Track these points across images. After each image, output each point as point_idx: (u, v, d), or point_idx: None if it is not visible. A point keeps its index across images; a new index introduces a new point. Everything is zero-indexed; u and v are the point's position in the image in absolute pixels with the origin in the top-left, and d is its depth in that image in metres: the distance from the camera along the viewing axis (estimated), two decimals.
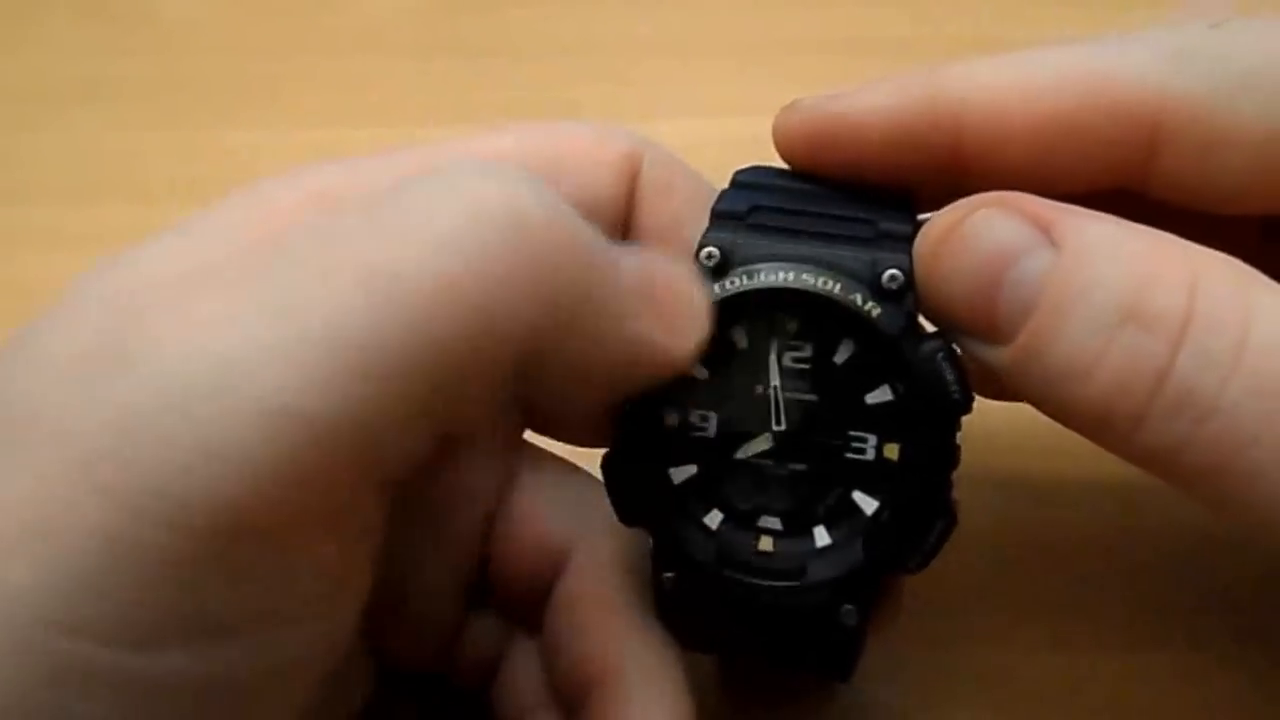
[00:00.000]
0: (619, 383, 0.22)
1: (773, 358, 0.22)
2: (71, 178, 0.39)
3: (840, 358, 0.22)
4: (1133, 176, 0.22)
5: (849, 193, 0.23)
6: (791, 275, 0.22)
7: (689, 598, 0.22)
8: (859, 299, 0.22)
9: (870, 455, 0.22)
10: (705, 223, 0.23)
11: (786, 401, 0.22)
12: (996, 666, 0.28)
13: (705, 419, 0.23)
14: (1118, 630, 0.28)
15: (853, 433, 0.22)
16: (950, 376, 0.21)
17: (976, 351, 0.21)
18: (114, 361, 0.18)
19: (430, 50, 0.42)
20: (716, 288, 0.22)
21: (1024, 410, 0.22)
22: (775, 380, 0.22)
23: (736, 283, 0.22)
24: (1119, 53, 0.22)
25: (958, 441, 0.21)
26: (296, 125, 0.40)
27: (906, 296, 0.21)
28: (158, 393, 0.17)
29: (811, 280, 0.22)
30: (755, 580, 0.22)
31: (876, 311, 0.21)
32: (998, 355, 0.20)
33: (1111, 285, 0.19)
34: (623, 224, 0.24)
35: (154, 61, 0.42)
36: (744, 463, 0.23)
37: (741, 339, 0.22)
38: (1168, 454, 0.19)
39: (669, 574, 0.23)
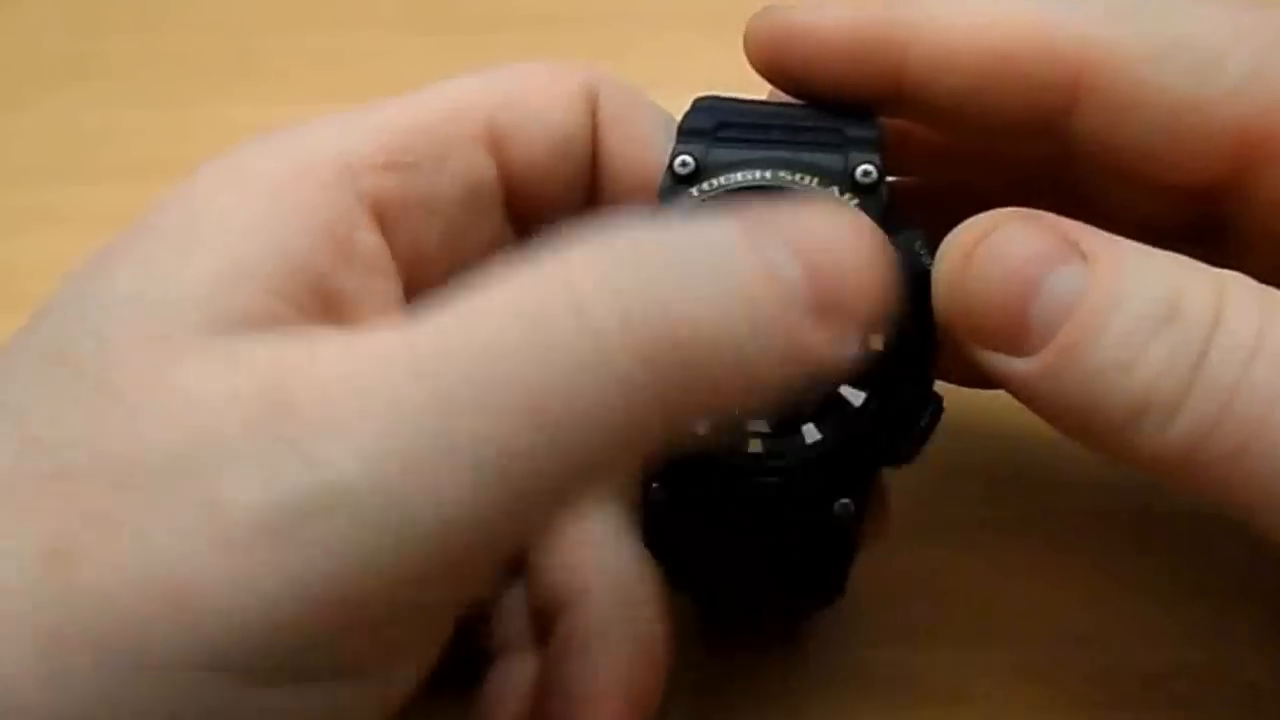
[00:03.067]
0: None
1: None
2: (62, 156, 0.39)
3: None
4: (1055, 123, 0.23)
5: (811, 109, 0.24)
6: (768, 174, 0.23)
7: (678, 510, 0.23)
8: (836, 192, 0.22)
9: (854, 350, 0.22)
10: (670, 145, 0.23)
11: None
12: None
13: None
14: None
15: None
16: (929, 262, 0.22)
17: (994, 364, 0.21)
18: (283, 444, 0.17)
19: (426, 25, 0.42)
20: (694, 191, 0.23)
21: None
22: None
23: (713, 185, 0.23)
24: (1065, 4, 0.23)
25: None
26: (291, 101, 0.40)
27: (880, 190, 0.22)
28: (318, 491, 0.17)
29: (788, 177, 0.23)
30: (748, 477, 0.22)
31: (855, 203, 0.22)
32: (1021, 366, 0.21)
33: (1149, 291, 0.20)
34: (592, 158, 0.24)
35: (145, 38, 0.42)
36: None
37: None
38: (1196, 443, 0.20)
39: (656, 484, 0.23)
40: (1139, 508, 0.29)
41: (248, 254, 0.20)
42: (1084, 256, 0.20)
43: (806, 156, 0.23)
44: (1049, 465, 0.30)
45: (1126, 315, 0.20)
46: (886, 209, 0.22)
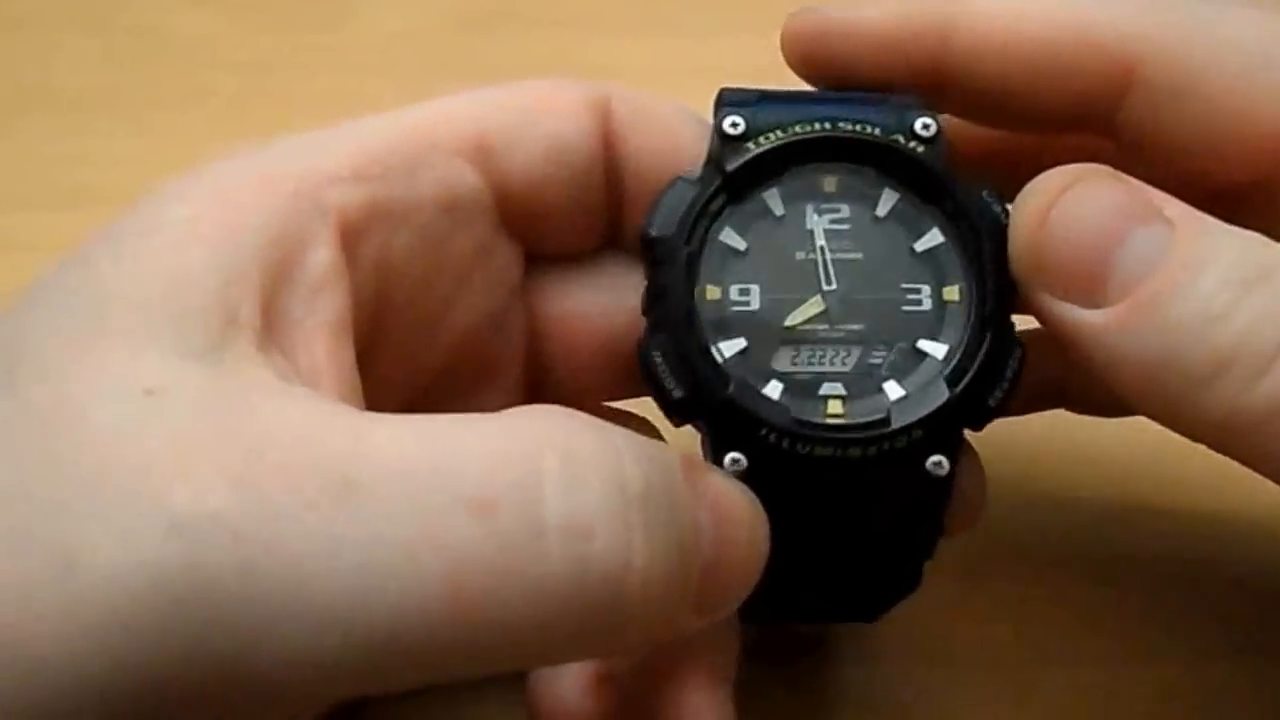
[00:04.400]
0: None
1: (813, 220, 0.22)
2: (70, 184, 0.39)
3: (882, 210, 0.22)
4: (1100, 115, 0.23)
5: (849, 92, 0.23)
6: (828, 125, 0.22)
7: (759, 482, 0.21)
8: (900, 140, 0.22)
9: (929, 305, 0.22)
10: (697, 141, 0.23)
11: (833, 263, 0.22)
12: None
13: (746, 292, 0.22)
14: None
15: (905, 285, 0.22)
16: (999, 209, 0.22)
17: (1065, 314, 0.21)
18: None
19: (437, 71, 0.42)
20: (750, 145, 0.22)
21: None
22: (820, 241, 0.22)
23: (770, 139, 0.22)
24: None
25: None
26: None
27: (940, 142, 0.22)
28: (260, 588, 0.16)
29: (849, 127, 0.22)
30: (838, 435, 0.21)
31: (921, 149, 0.22)
32: (1095, 316, 0.20)
33: (1237, 254, 0.20)
34: (602, 164, 0.24)
35: (162, 75, 0.42)
36: (796, 329, 0.22)
37: (777, 205, 0.22)
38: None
39: (735, 455, 0.21)
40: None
41: (187, 266, 0.19)
42: (1168, 221, 0.20)
43: (860, 112, 0.22)
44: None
45: (1216, 272, 0.20)
46: (949, 161, 0.22)
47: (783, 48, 0.24)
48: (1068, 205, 0.21)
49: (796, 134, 0.22)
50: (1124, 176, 0.21)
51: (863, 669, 0.28)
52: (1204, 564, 0.30)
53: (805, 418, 0.21)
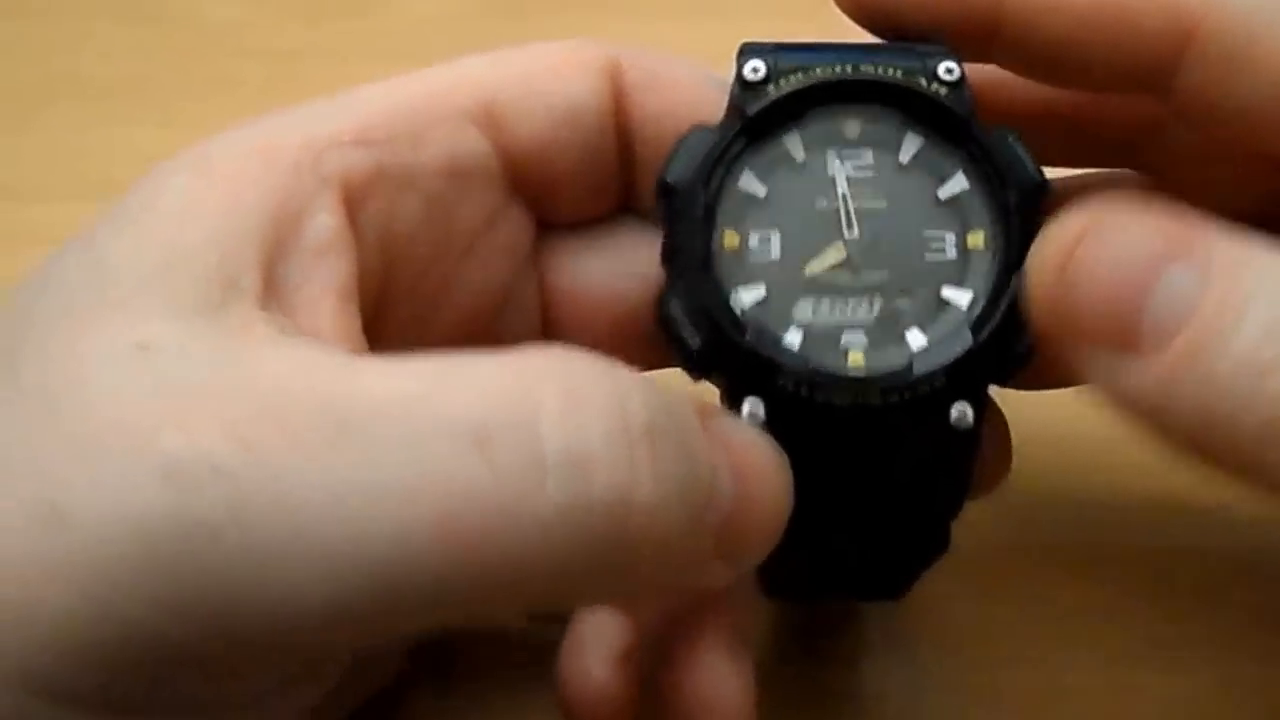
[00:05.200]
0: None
1: (835, 166, 0.21)
2: (98, 175, 0.39)
3: (906, 156, 0.22)
4: (1158, 76, 0.22)
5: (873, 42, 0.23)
6: (849, 68, 0.21)
7: (778, 432, 0.20)
8: (924, 83, 0.21)
9: (952, 253, 0.21)
10: (713, 100, 0.22)
11: (855, 210, 0.21)
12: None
13: (767, 239, 0.21)
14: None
15: (929, 232, 0.21)
16: (1026, 156, 0.21)
17: (1101, 371, 0.19)
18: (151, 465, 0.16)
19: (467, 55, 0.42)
20: (771, 88, 0.21)
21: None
22: (842, 188, 0.21)
23: (791, 81, 0.21)
24: None
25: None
26: None
27: (964, 87, 0.21)
28: (217, 508, 0.16)
29: (872, 70, 0.21)
30: (858, 383, 0.20)
31: (944, 92, 0.21)
32: (1135, 374, 0.19)
33: (1274, 297, 0.18)
34: (614, 127, 0.23)
35: (190, 64, 0.42)
36: (817, 278, 0.21)
37: (798, 150, 0.22)
38: None
39: (754, 403, 0.20)
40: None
41: (185, 236, 0.19)
42: (1202, 253, 0.18)
43: (883, 56, 0.22)
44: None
45: (1259, 315, 0.18)
46: (972, 106, 0.21)
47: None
48: (1089, 250, 0.19)
49: (818, 76, 0.21)
50: (1146, 204, 0.19)
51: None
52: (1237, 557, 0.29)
53: (824, 366, 0.20)
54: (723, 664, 0.22)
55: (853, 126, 0.22)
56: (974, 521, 0.23)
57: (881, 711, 0.27)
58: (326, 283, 0.20)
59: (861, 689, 0.27)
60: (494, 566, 0.16)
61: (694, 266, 0.21)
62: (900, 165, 0.22)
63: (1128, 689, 0.27)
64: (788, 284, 0.21)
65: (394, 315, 0.22)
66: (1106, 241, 0.19)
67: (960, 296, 0.21)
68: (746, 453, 0.19)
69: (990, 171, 0.21)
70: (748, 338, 0.20)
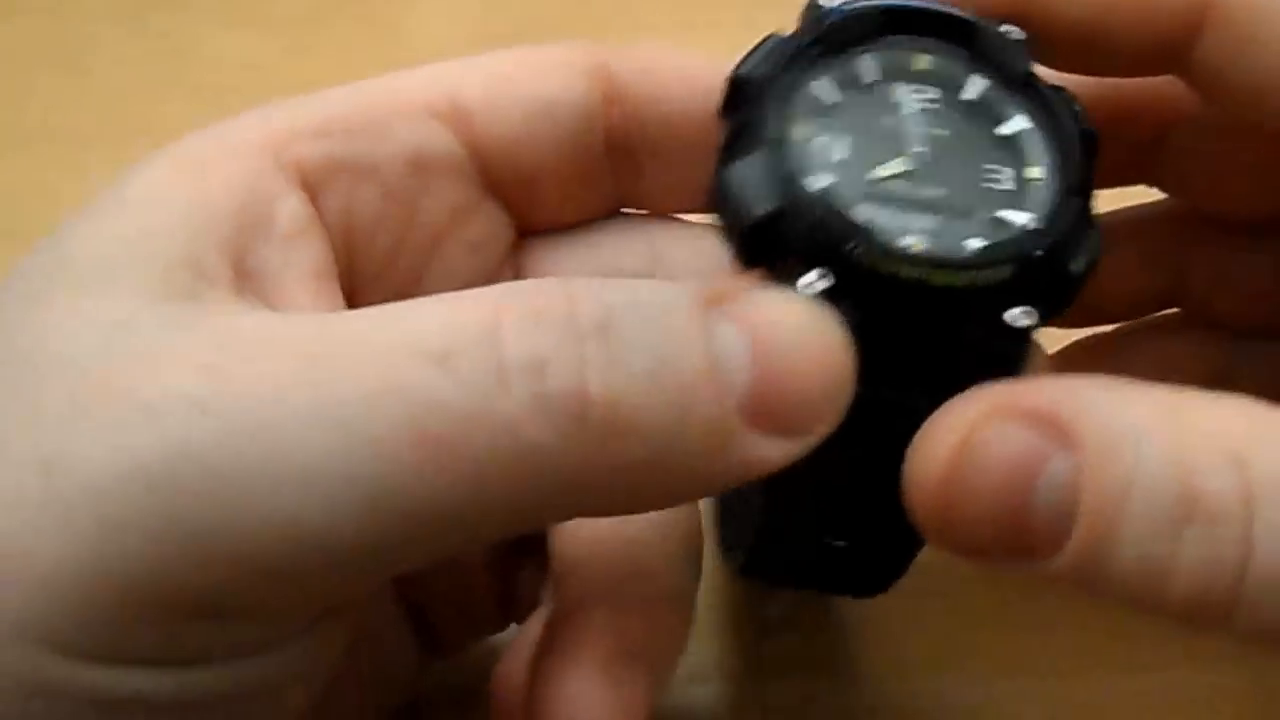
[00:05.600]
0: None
1: (900, 93, 0.22)
2: None
3: (969, 94, 0.22)
4: (1176, 53, 0.22)
5: None
6: (920, 2, 0.22)
7: (841, 304, 0.19)
8: (989, 24, 0.22)
9: (1010, 184, 0.22)
10: (716, 77, 0.22)
11: (917, 134, 0.22)
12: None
13: (835, 140, 0.21)
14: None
15: (987, 165, 0.22)
16: (1080, 108, 0.22)
17: (1020, 569, 0.18)
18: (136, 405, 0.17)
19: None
20: (847, 6, 0.22)
21: None
22: (910, 109, 0.22)
23: (862, 4, 0.22)
24: None
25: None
26: None
27: (1024, 44, 0.22)
28: (186, 442, 0.17)
29: (941, 9, 0.22)
30: (925, 258, 0.20)
31: (1015, 36, 0.22)
32: (1048, 567, 0.18)
33: (1154, 482, 0.17)
34: (603, 129, 0.23)
35: (213, 104, 0.42)
36: (881, 182, 0.21)
37: (869, 72, 0.22)
38: (1271, 628, 0.17)
39: (821, 271, 0.19)
40: None
41: (154, 225, 0.19)
42: (1073, 441, 0.18)
43: (952, 4, 0.22)
44: None
45: (1138, 519, 0.17)
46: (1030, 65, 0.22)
47: None
48: (967, 469, 0.18)
49: (892, 2, 0.22)
50: (1011, 397, 0.18)
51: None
52: None
53: (892, 245, 0.20)
54: (593, 683, 0.21)
55: (922, 59, 0.22)
56: None
57: None
58: (303, 266, 0.21)
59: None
60: (471, 477, 0.17)
61: (766, 142, 0.21)
62: (963, 102, 0.22)
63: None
64: (853, 183, 0.21)
65: (362, 305, 0.22)
66: (975, 465, 0.18)
67: (1018, 216, 0.21)
68: (771, 321, 0.18)
69: (1049, 116, 0.22)
70: (818, 212, 0.20)
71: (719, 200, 0.20)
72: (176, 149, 0.21)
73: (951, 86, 0.22)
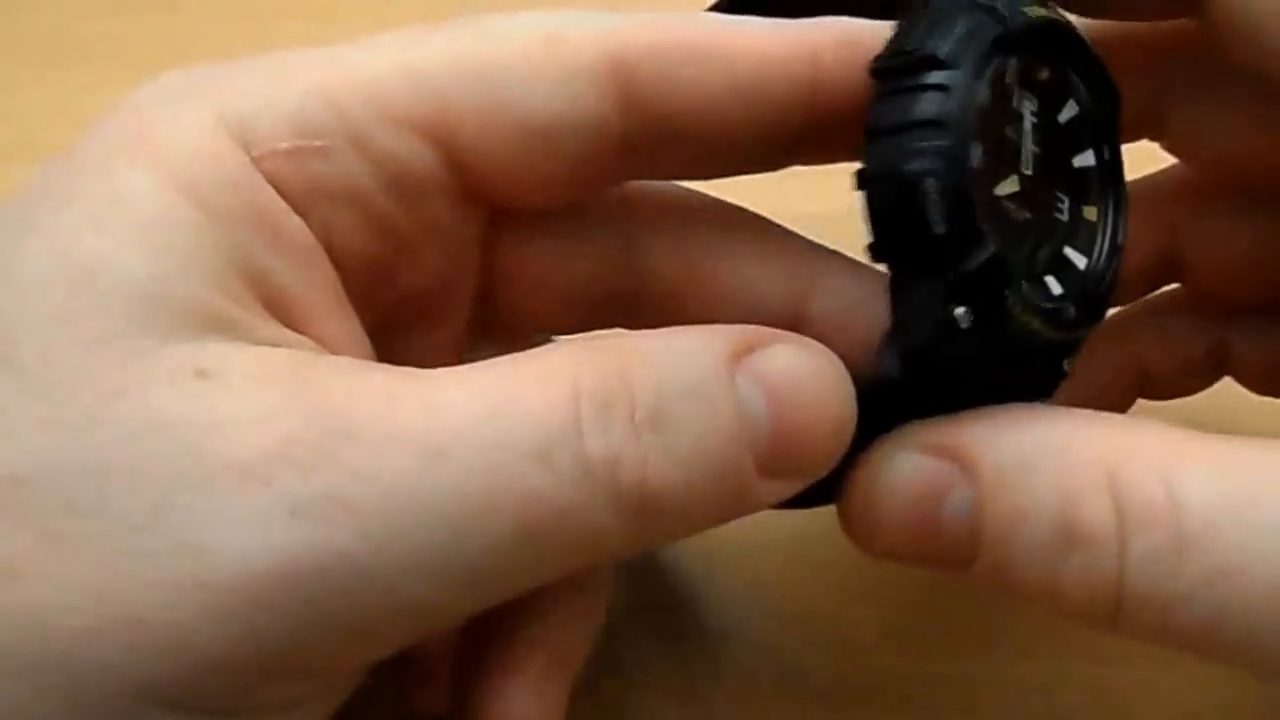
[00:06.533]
0: None
1: (1021, 103, 0.22)
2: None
3: (1064, 116, 0.22)
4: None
5: None
6: (1061, 17, 0.22)
7: (964, 339, 0.20)
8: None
9: (1065, 216, 0.22)
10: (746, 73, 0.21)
11: (1028, 151, 0.22)
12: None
13: (971, 147, 0.20)
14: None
15: (1058, 193, 0.22)
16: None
17: (946, 573, 0.21)
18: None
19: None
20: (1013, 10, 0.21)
21: None
22: (1026, 123, 0.22)
23: (1037, 11, 0.21)
24: None
25: None
26: None
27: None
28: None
29: (1084, 37, 0.22)
30: (1048, 307, 0.21)
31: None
32: (966, 574, 0.20)
33: (1039, 512, 0.19)
34: (617, 136, 0.21)
35: (169, 23, 0.42)
36: (999, 201, 0.21)
37: (1012, 76, 0.21)
38: (1157, 637, 0.19)
39: (964, 310, 0.20)
40: None
41: (181, 243, 0.19)
42: (972, 471, 0.20)
43: None
44: None
45: (1027, 545, 0.19)
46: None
47: None
48: (877, 504, 0.21)
49: (1048, 16, 0.21)
50: (913, 434, 0.21)
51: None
52: None
53: (1033, 300, 0.21)
54: (525, 688, 0.23)
55: (1044, 71, 0.22)
56: None
57: None
58: (322, 287, 0.21)
59: None
60: (557, 553, 0.19)
61: (954, 152, 0.19)
62: (1058, 123, 0.22)
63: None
64: (985, 204, 0.20)
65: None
66: (884, 497, 0.21)
67: (1079, 259, 0.22)
68: (788, 378, 0.20)
69: (1110, 163, 0.22)
70: (993, 247, 0.20)
71: (896, 199, 0.20)
72: (149, 135, 0.19)
73: (1053, 105, 0.22)
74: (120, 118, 0.20)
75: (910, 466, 0.20)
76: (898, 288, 0.20)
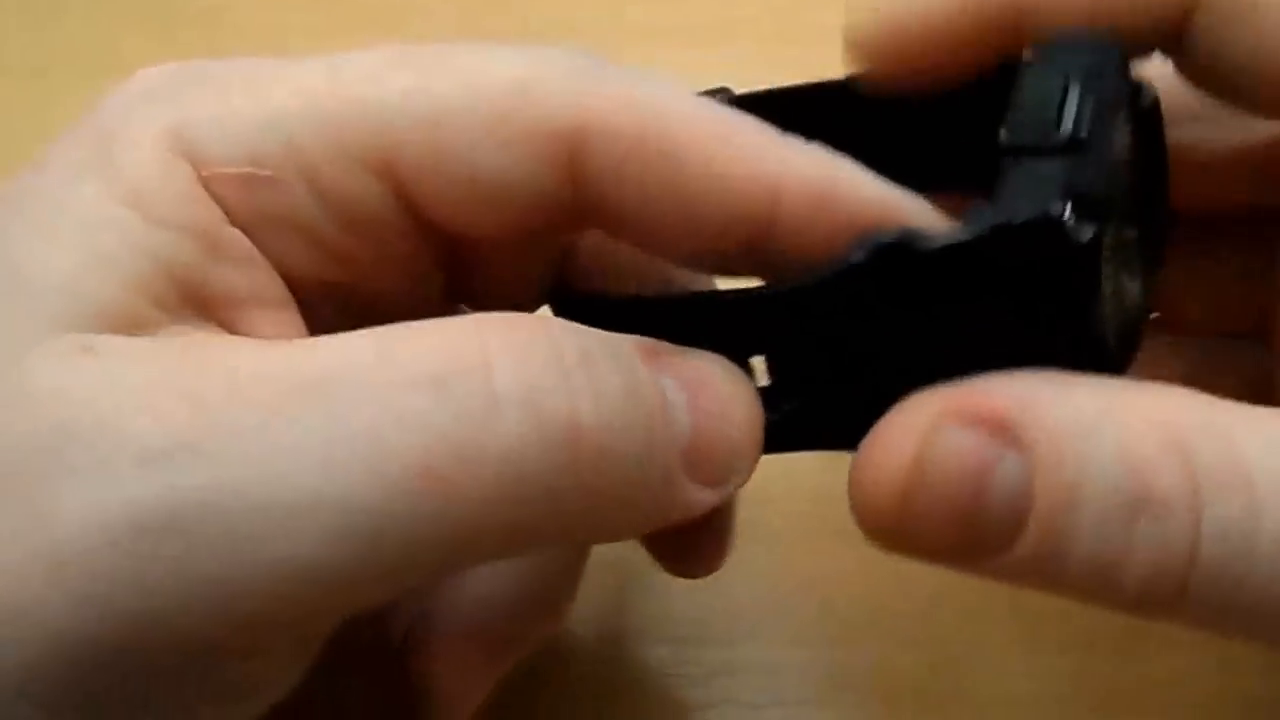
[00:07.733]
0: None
1: (1120, 130, 0.22)
2: None
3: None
4: (1172, 32, 0.22)
5: None
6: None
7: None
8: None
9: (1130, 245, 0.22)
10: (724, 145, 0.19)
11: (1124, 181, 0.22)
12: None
13: (1096, 178, 0.19)
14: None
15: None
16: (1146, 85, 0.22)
17: (967, 568, 0.19)
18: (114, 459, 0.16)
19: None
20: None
21: None
22: (1124, 150, 0.22)
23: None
24: None
25: None
26: None
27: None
28: (166, 499, 0.16)
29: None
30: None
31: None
32: (998, 563, 0.18)
33: (1105, 479, 0.18)
34: (569, 211, 0.20)
35: (192, 42, 0.42)
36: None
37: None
38: (1216, 616, 0.18)
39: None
40: None
41: (111, 248, 0.18)
42: (1020, 440, 0.18)
43: None
44: None
45: (1090, 516, 0.18)
46: None
47: (852, 50, 0.23)
48: (921, 479, 0.18)
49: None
50: (960, 401, 0.18)
51: None
52: None
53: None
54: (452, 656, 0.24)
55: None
56: None
57: None
58: (264, 293, 0.20)
59: None
60: (470, 503, 0.17)
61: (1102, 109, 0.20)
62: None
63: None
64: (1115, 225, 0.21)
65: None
66: (930, 473, 0.18)
67: (1132, 285, 0.22)
68: (702, 381, 0.20)
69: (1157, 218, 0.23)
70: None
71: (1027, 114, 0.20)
72: (106, 149, 0.20)
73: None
74: (82, 129, 0.20)
75: (953, 447, 0.18)
76: (1011, 171, 0.19)
